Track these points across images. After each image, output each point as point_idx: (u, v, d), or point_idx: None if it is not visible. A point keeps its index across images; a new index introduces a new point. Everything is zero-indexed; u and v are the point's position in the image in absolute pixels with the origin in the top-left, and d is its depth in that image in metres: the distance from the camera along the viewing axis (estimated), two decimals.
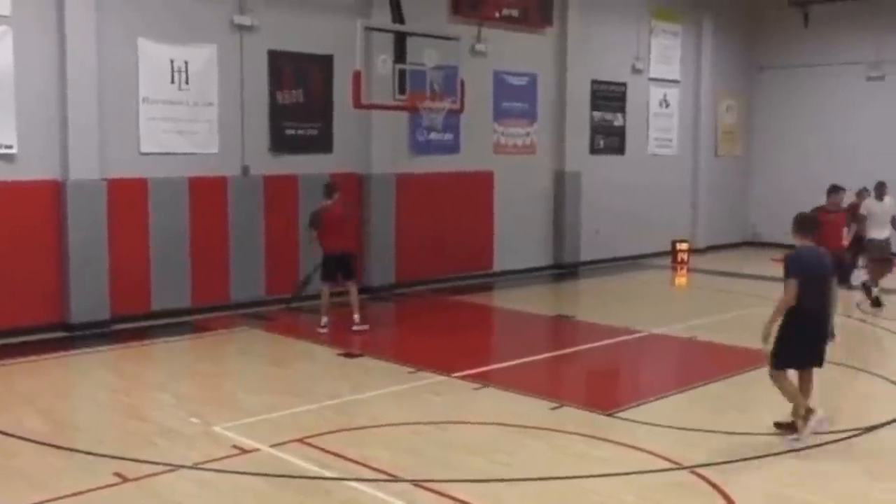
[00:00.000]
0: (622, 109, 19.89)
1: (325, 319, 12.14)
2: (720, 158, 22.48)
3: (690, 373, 10.62)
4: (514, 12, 17.14)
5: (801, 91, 22.19)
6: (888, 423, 8.24)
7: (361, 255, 14.68)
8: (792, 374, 7.84)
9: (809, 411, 7.69)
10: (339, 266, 12.24)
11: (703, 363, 11.09)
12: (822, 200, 12.29)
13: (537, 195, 18.16)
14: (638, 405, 8.86)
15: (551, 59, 18.19)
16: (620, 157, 19.92)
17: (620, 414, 8.55)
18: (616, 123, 19.80)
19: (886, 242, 14.31)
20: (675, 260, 19.74)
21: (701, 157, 21.92)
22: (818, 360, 7.86)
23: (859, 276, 14.95)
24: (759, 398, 8.95)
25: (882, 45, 20.90)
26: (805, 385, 7.92)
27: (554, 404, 8.77)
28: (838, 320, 11.45)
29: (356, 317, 12.18)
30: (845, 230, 12.50)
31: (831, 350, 10.03)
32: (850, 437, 7.81)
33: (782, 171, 22.01)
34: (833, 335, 9.70)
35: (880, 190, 14.47)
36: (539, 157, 18.12)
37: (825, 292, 7.91)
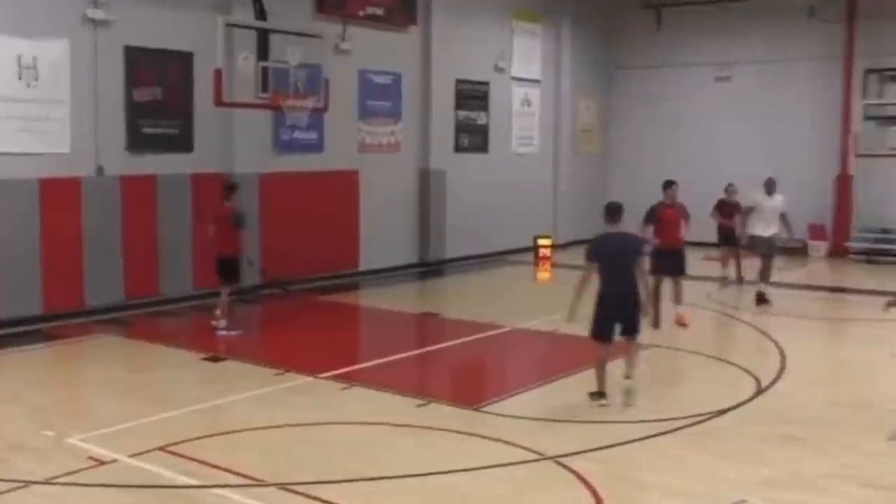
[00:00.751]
0: (485, 108, 20.22)
1: (223, 322, 11.98)
2: (579, 156, 23.14)
3: (553, 365, 10.90)
4: (379, 11, 17.16)
5: (655, 90, 23.09)
6: (734, 407, 8.70)
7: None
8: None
9: (627, 378, 8.82)
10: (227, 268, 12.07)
11: (565, 356, 11.38)
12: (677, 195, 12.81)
13: (403, 194, 18.26)
14: (503, 399, 9.06)
15: (416, 59, 18.32)
16: (484, 155, 20.24)
17: (486, 408, 8.71)
18: (480, 122, 20.11)
19: (771, 239, 14.20)
20: (537, 256, 20.22)
21: (561, 155, 22.52)
22: (626, 333, 8.82)
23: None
24: (616, 389, 9.29)
25: (729, 47, 22.00)
26: (628, 356, 8.91)
27: (421, 401, 8.86)
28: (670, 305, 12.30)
29: (222, 322, 11.99)
30: (683, 223, 12.64)
31: (684, 338, 10.50)
32: (700, 421, 8.21)
33: (638, 167, 22.81)
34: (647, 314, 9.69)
35: (770, 186, 14.27)
36: (404, 155, 18.22)
37: (626, 275, 8.66)
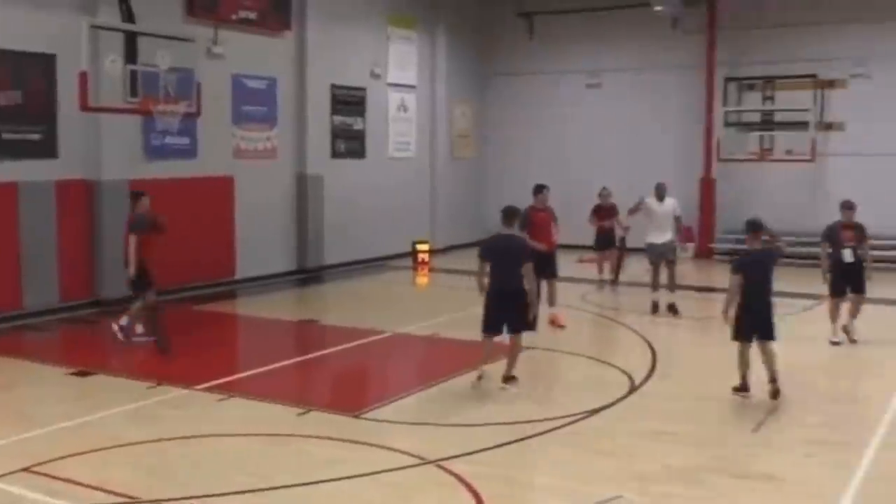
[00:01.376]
0: (362, 114, 20.17)
1: (140, 327, 11.73)
2: (456, 161, 23.36)
3: (433, 369, 10.95)
4: (252, 15, 16.90)
5: (529, 97, 23.55)
6: (609, 405, 8.94)
7: (94, 265, 13.90)
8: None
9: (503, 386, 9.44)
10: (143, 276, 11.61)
11: (445, 359, 11.48)
12: (549, 199, 13.07)
13: (279, 200, 18.02)
14: (384, 404, 9.04)
15: (290, 64, 18.12)
16: (362, 160, 20.19)
17: (367, 414, 8.68)
18: (356, 127, 20.05)
19: (665, 246, 13.90)
20: (416, 261, 20.30)
21: (438, 160, 22.68)
22: (511, 328, 9.50)
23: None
24: (496, 390, 9.43)
25: (599, 55, 22.65)
26: (510, 354, 9.56)
27: (301, 410, 8.76)
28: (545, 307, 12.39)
29: (139, 327, 11.75)
30: (553, 226, 12.81)
31: (559, 338, 10.73)
32: (577, 420, 8.41)
33: (513, 172, 23.20)
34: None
35: (660, 191, 14.08)
36: (280, 161, 17.98)
37: (513, 275, 9.31)
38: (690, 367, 11.01)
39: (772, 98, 20.79)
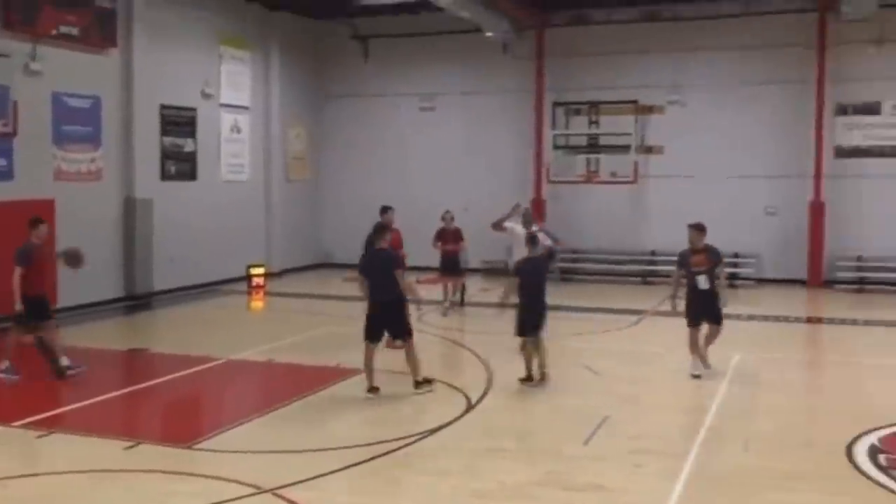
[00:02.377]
0: (193, 135, 19.65)
1: (6, 364, 10.96)
2: (292, 183, 23.12)
3: (270, 396, 10.74)
4: (74, 30, 16.19)
5: (364, 119, 23.64)
6: (446, 424, 9.04)
7: None
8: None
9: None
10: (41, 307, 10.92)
11: (282, 385, 11.28)
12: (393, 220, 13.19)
13: (105, 224, 17.28)
14: (219, 434, 8.79)
15: (116, 82, 17.45)
16: (193, 182, 19.66)
17: (201, 445, 8.42)
18: (187, 149, 19.51)
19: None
20: (251, 285, 19.91)
21: (273, 183, 22.38)
22: (392, 334, 10.51)
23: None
24: (335, 415, 9.38)
25: (433, 78, 23.02)
26: (407, 355, 10.28)
27: (130, 443, 8.38)
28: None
29: (64, 359, 11.09)
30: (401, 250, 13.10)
31: (396, 359, 10.78)
32: (415, 441, 8.45)
33: (349, 194, 23.23)
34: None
35: (526, 217, 14.02)
36: (107, 183, 17.26)
37: (388, 286, 10.07)
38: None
39: (597, 122, 21.72)
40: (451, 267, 16.45)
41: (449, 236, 16.47)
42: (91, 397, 10.22)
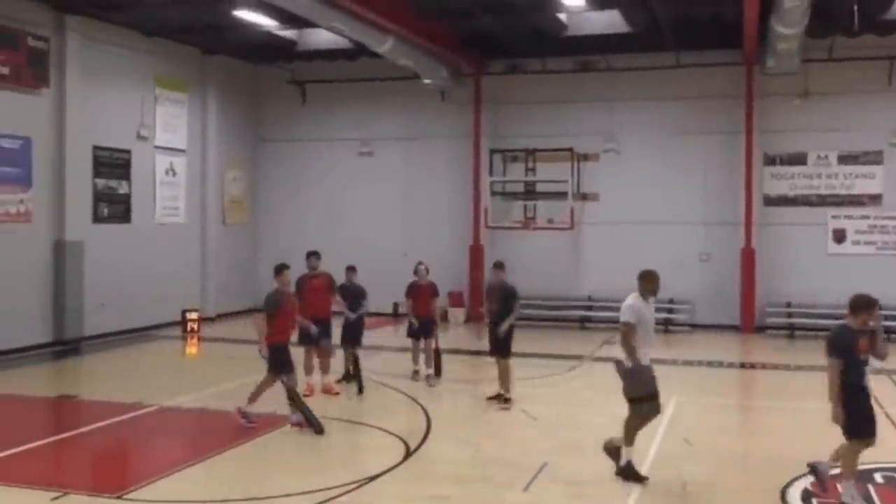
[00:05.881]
0: (127, 177, 19.36)
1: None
2: (228, 227, 22.87)
3: (203, 444, 10.48)
4: (4, 70, 15.91)
5: (302, 163, 23.58)
6: (386, 471, 8.93)
7: None
8: None
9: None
10: None
11: (216, 433, 11.01)
12: (322, 266, 13.06)
13: (33, 267, 16.86)
14: (150, 483, 8.54)
15: (48, 123, 17.16)
16: (127, 225, 19.34)
17: (131, 495, 8.17)
18: (121, 191, 19.20)
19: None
20: (185, 329, 19.53)
21: (209, 226, 22.12)
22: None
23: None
24: (271, 463, 9.19)
25: (371, 123, 23.11)
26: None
27: (56, 494, 8.09)
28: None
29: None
30: (330, 295, 12.87)
31: (334, 406, 10.64)
32: (353, 489, 8.31)
33: (286, 238, 22.98)
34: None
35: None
36: (36, 225, 16.87)
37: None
38: (464, 430, 11.22)
39: (533, 169, 21.98)
40: (424, 330, 13.80)
41: (422, 292, 13.85)
42: (17, 446, 9.85)
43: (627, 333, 8.67)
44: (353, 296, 13.46)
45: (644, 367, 8.67)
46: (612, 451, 8.90)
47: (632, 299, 8.85)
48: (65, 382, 14.94)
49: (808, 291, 20.01)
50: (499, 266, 12.92)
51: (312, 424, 10.45)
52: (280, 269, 11.19)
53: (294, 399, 10.70)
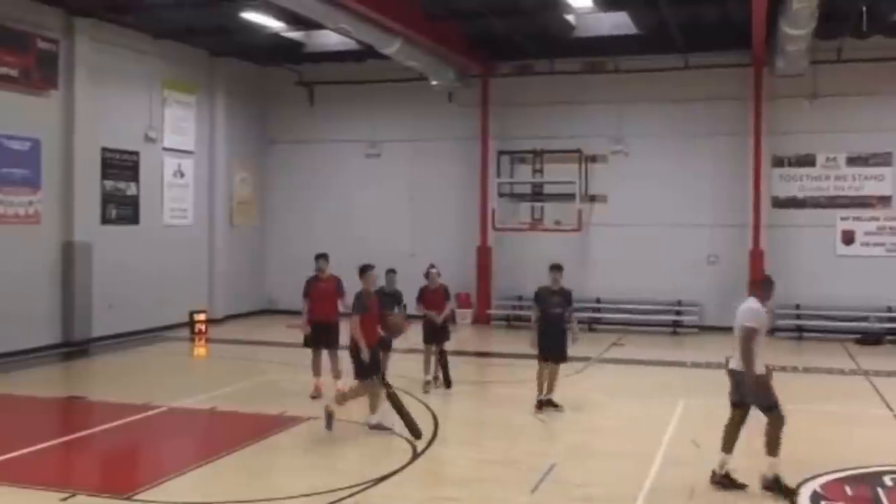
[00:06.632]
0: (135, 179, 19.41)
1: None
2: (236, 228, 22.91)
3: (213, 444, 10.50)
4: (13, 72, 15.97)
5: (309, 164, 23.59)
6: (393, 473, 8.93)
7: None
8: None
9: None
10: None
11: (225, 433, 11.06)
12: (331, 268, 13.06)
13: (43, 268, 16.90)
14: (160, 483, 8.55)
15: (57, 125, 17.21)
16: (135, 227, 19.37)
17: (140, 495, 8.18)
18: (129, 193, 19.25)
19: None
20: (193, 331, 19.57)
21: (217, 228, 22.15)
22: None
23: None
24: (279, 464, 9.20)
25: (378, 125, 23.12)
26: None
27: (66, 494, 8.11)
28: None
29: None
30: (338, 298, 12.79)
31: (347, 408, 10.66)
32: (362, 490, 8.31)
33: (294, 239, 23.06)
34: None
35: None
36: (45, 227, 16.92)
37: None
38: (471, 432, 11.22)
39: (541, 171, 21.95)
40: (435, 335, 13.44)
41: (432, 297, 13.49)
42: (26, 446, 9.87)
43: (751, 339, 8.28)
44: (391, 300, 12.65)
45: (762, 374, 8.41)
46: (770, 482, 8.27)
47: (754, 303, 8.54)
48: (73, 383, 14.99)
49: (816, 293, 19.94)
50: (558, 269, 12.69)
51: (411, 429, 10.29)
52: (365, 270, 10.97)
53: (394, 403, 10.54)
